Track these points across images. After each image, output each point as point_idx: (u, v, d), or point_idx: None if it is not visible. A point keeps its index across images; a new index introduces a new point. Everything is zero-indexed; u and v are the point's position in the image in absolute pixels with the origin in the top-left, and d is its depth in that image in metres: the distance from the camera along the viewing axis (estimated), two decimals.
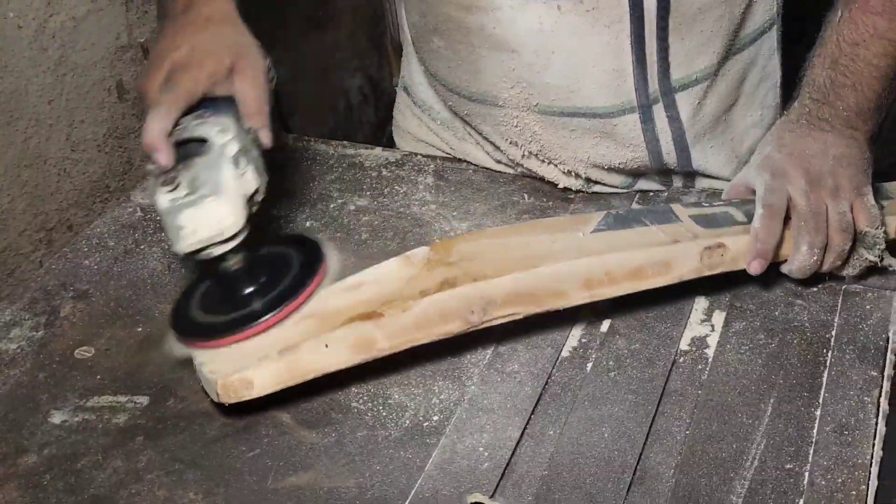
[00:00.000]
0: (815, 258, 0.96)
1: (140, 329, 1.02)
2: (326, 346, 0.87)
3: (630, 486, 0.82)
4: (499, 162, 1.25)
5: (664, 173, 1.20)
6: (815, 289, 1.01)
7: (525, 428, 0.88)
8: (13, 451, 0.89)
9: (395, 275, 0.91)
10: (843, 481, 0.81)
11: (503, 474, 0.84)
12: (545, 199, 1.19)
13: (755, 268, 0.96)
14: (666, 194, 1.18)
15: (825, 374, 0.91)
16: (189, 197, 0.87)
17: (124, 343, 1.00)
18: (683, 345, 0.96)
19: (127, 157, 1.42)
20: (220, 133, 0.90)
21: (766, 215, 0.96)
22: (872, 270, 1.01)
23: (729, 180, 1.15)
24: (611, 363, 0.94)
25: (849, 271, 1.00)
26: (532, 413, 0.90)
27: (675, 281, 0.95)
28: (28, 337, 1.01)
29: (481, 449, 0.86)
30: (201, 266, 0.95)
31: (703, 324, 0.98)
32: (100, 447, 0.89)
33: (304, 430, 0.90)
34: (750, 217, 0.98)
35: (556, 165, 1.19)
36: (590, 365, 0.94)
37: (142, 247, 1.13)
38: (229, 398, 0.86)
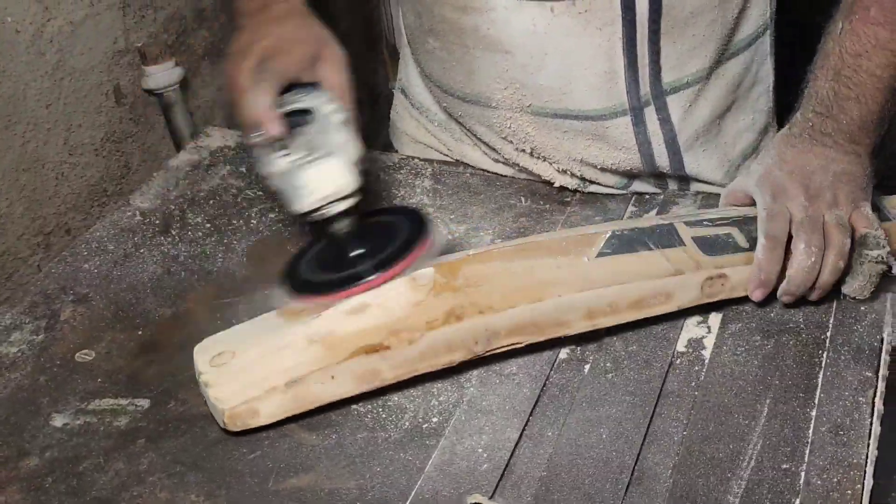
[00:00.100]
0: (812, 258, 0.95)
1: (140, 332, 1.03)
2: (333, 377, 0.89)
3: (628, 486, 0.83)
4: (496, 161, 1.25)
5: (658, 176, 1.21)
6: None
7: (524, 429, 0.89)
8: (15, 454, 0.89)
9: (402, 299, 0.91)
10: (839, 481, 0.81)
11: (502, 475, 0.84)
12: (542, 202, 1.20)
13: (757, 296, 0.98)
14: (661, 197, 1.19)
15: (820, 375, 0.92)
16: (307, 158, 0.92)
17: (125, 346, 1.01)
18: (680, 346, 0.97)
19: (125, 161, 1.42)
20: (325, 103, 0.97)
21: (769, 247, 0.96)
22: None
23: (722, 185, 1.16)
24: (608, 365, 0.95)
25: (860, 281, 0.98)
26: (530, 414, 0.90)
27: (675, 309, 0.97)
28: (28, 340, 1.01)
29: (480, 450, 0.87)
30: (313, 228, 0.99)
31: (699, 325, 0.99)
32: (101, 450, 0.89)
33: (305, 432, 0.90)
34: (751, 241, 0.98)
35: (550, 164, 1.20)
36: (587, 367, 0.95)
37: (141, 250, 1.14)
38: (235, 426, 0.88)
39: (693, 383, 0.93)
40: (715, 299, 0.98)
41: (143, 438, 0.90)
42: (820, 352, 0.95)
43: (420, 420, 0.91)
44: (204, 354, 0.93)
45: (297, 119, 0.96)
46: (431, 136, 1.31)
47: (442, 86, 1.21)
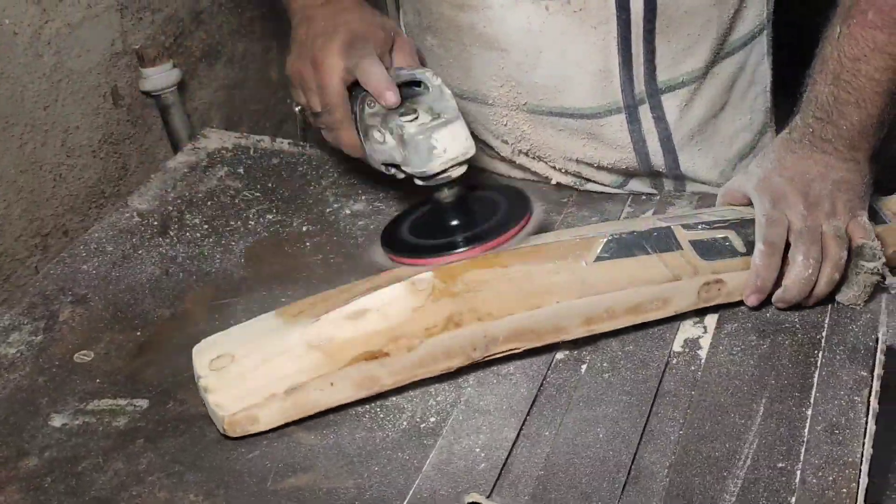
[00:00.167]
0: (810, 270, 0.96)
1: (139, 333, 1.03)
2: (332, 384, 0.89)
3: (625, 485, 0.83)
4: (492, 158, 1.26)
5: (654, 175, 1.21)
6: None
7: (521, 429, 0.89)
8: (14, 455, 0.89)
9: (401, 304, 0.91)
10: (834, 479, 0.82)
11: (500, 474, 0.85)
12: (539, 203, 1.19)
13: (752, 301, 0.98)
14: (658, 198, 1.19)
15: (816, 375, 0.92)
16: (435, 121, 0.95)
17: (123, 347, 1.01)
18: (676, 346, 0.97)
19: (122, 162, 1.42)
20: (433, 76, 0.99)
21: (767, 253, 0.96)
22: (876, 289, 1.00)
23: (718, 185, 1.16)
24: (605, 365, 0.95)
25: (855, 291, 0.98)
26: (528, 414, 0.91)
27: (672, 314, 0.97)
28: (27, 341, 1.02)
29: (478, 450, 0.87)
30: (426, 191, 1.00)
31: (695, 325, 0.99)
32: (100, 450, 0.89)
33: (303, 432, 0.90)
34: (749, 246, 0.99)
35: (546, 163, 1.20)
36: (584, 366, 0.96)
37: (139, 252, 1.14)
38: (235, 433, 0.89)
39: (689, 383, 0.93)
40: (711, 304, 0.99)
41: (142, 438, 0.90)
42: (815, 351, 0.95)
43: (418, 420, 0.91)
44: (202, 356, 0.93)
45: (407, 92, 0.99)
46: None
47: None
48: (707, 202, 1.15)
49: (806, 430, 0.86)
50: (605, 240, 0.97)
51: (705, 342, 0.97)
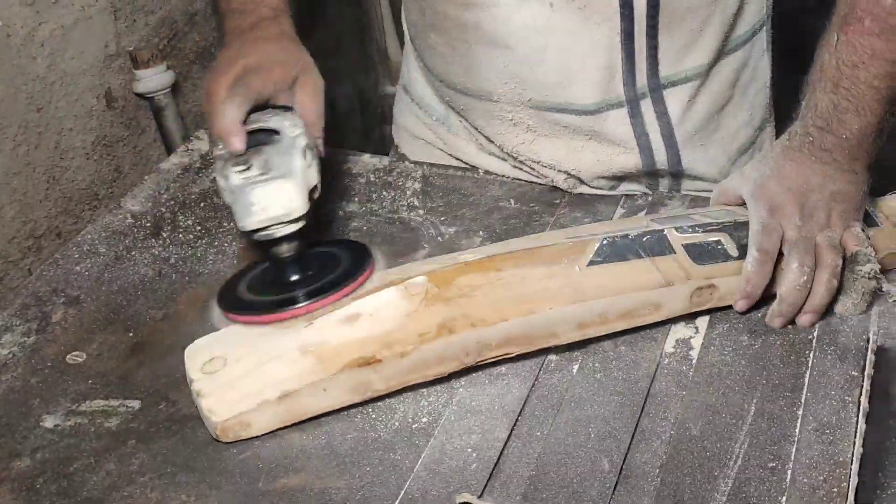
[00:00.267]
0: (804, 277, 0.96)
1: (131, 334, 1.03)
2: (325, 389, 0.89)
3: (616, 485, 0.83)
4: (491, 155, 1.26)
5: (650, 175, 1.22)
6: None
7: (513, 429, 0.89)
8: (6, 455, 0.89)
9: (394, 309, 0.91)
10: (825, 478, 0.82)
11: (491, 474, 0.85)
12: (531, 205, 1.20)
13: (741, 307, 0.99)
14: (651, 199, 1.20)
15: (807, 375, 0.92)
16: (262, 177, 0.93)
17: (116, 348, 1.01)
18: (668, 347, 0.97)
19: (116, 164, 1.42)
20: (291, 126, 0.98)
21: (760, 260, 0.97)
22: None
23: (715, 181, 1.17)
24: (597, 365, 0.96)
25: (854, 298, 0.98)
26: (519, 414, 0.91)
27: (664, 318, 0.98)
28: (20, 342, 1.02)
29: (470, 450, 0.87)
30: (258, 247, 0.99)
31: (687, 326, 1.00)
32: (92, 451, 0.89)
33: (295, 432, 0.90)
34: (742, 250, 0.99)
35: (546, 163, 1.20)
36: (576, 367, 0.96)
37: (132, 253, 1.14)
38: (227, 438, 0.89)
39: (681, 383, 0.93)
40: (703, 308, 0.99)
41: (134, 439, 0.90)
42: (807, 351, 0.95)
43: (410, 420, 0.91)
44: (195, 359, 0.92)
45: (262, 138, 0.97)
46: (429, 130, 1.32)
47: (444, 80, 1.22)
48: (699, 204, 1.15)
49: (797, 430, 0.87)
50: (598, 243, 0.97)
51: (697, 342, 0.98)
